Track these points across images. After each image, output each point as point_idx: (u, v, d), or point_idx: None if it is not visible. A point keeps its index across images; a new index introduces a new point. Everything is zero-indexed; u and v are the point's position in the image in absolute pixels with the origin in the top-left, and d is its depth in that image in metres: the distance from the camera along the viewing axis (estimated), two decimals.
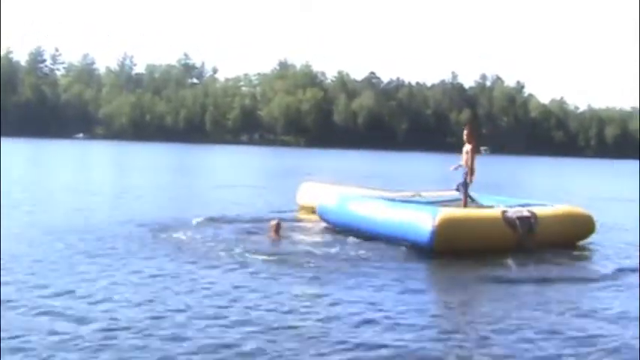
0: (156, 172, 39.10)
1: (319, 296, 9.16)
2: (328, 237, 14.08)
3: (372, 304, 8.73)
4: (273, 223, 13.75)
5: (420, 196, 16.33)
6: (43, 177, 28.69)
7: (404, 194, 16.54)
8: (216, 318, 7.84)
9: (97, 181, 30.44)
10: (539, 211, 13.72)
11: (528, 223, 13.11)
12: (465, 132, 15.00)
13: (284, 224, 14.19)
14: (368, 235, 13.53)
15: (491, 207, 14.51)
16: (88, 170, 40.15)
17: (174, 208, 19.19)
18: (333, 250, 12.39)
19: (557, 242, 13.26)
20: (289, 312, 8.25)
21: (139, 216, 16.09)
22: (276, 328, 7.51)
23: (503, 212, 13.26)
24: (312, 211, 16.31)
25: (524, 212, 13.40)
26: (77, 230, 13.64)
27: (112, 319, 7.63)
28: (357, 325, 7.81)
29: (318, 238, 13.94)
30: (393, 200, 15.02)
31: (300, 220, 16.70)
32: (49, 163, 44.13)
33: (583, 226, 14.29)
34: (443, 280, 11.44)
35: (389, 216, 13.42)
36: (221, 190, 27.03)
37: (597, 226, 14.54)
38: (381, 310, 8.47)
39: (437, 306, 9.50)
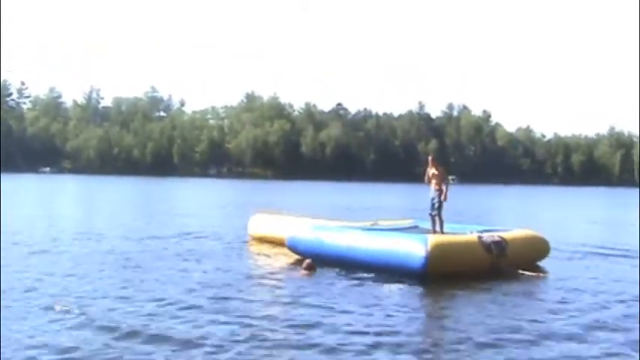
0: (114, 204, 39.04)
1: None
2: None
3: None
4: (307, 261, 13.83)
5: (377, 224, 17.13)
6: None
7: (363, 224, 17.21)
8: None
9: (50, 215, 29.70)
10: (506, 235, 14.74)
11: (501, 246, 14.06)
12: (430, 158, 15.95)
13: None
14: (351, 265, 13.80)
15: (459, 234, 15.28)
16: (47, 204, 39.26)
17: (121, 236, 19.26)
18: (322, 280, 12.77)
19: (522, 263, 14.25)
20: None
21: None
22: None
23: (479, 237, 14.19)
24: (262, 240, 18.03)
25: (496, 237, 14.30)
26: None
27: None
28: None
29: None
30: (371, 230, 15.81)
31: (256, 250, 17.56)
32: (8, 197, 43.12)
33: (541, 248, 15.65)
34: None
35: (375, 245, 13.91)
36: (176, 220, 27.00)
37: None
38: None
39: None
